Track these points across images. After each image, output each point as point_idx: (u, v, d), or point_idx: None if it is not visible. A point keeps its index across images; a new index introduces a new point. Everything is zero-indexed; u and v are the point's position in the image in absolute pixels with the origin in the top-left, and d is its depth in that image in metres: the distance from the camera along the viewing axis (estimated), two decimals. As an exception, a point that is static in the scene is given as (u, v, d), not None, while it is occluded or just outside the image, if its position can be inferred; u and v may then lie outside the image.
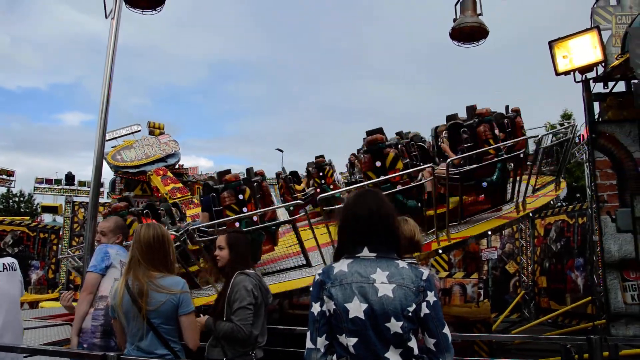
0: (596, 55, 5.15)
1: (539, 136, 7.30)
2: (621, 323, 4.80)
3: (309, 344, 1.90)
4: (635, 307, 4.79)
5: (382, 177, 5.78)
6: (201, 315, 3.12)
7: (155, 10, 6.46)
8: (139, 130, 19.29)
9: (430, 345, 1.86)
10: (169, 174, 16.72)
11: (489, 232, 6.42)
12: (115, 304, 2.73)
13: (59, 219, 22.50)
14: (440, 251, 5.90)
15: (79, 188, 28.16)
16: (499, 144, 6.31)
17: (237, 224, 6.04)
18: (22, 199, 40.06)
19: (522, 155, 6.69)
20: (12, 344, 3.22)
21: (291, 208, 8.10)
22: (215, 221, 6.07)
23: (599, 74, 5.42)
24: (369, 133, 6.30)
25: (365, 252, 1.92)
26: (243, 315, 2.91)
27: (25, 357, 3.59)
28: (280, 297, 5.61)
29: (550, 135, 8.66)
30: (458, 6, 6.80)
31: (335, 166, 11.44)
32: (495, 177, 6.25)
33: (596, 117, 5.50)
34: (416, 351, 1.83)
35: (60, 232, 16.79)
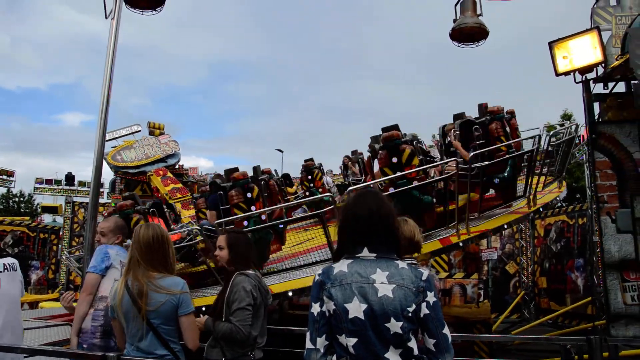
0: (596, 55, 5.15)
1: (545, 134, 7.31)
2: (621, 324, 4.79)
3: (308, 344, 1.90)
4: (635, 307, 4.79)
5: (398, 173, 5.89)
6: (201, 315, 3.12)
7: (155, 11, 6.45)
8: (139, 131, 19.29)
9: (430, 346, 1.87)
10: (169, 174, 16.71)
11: (505, 226, 6.59)
12: (115, 304, 2.73)
13: (59, 219, 22.51)
14: (460, 244, 6.04)
15: (79, 188, 28.21)
16: (510, 141, 6.46)
17: (245, 223, 5.96)
18: (22, 199, 40.09)
19: (535, 153, 6.78)
20: (12, 344, 3.22)
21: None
22: (223, 219, 5.96)
23: (599, 74, 5.42)
24: (384, 130, 6.33)
25: (365, 252, 1.93)
26: (242, 316, 2.90)
27: (25, 357, 3.59)
28: (297, 293, 5.63)
29: (550, 136, 8.65)
30: (458, 7, 6.80)
31: (332, 168, 11.43)
32: (506, 173, 6.38)
33: (596, 117, 5.50)
34: (416, 351, 1.83)
35: (60, 233, 16.78)
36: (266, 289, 3.19)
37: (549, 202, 7.21)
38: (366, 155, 8.80)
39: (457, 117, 7.41)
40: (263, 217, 6.17)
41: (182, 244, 6.52)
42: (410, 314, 1.82)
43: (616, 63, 5.16)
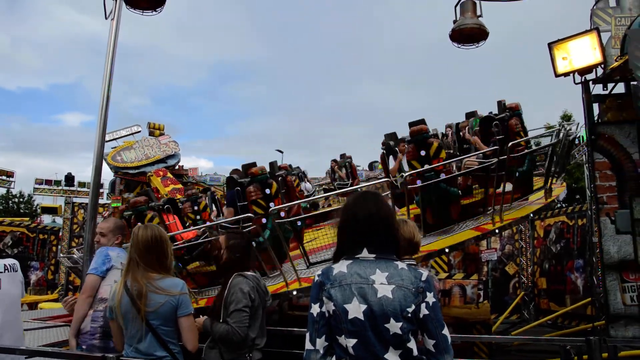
0: (595, 56, 5.15)
1: (563, 129, 7.45)
2: (620, 324, 4.79)
3: (308, 345, 1.90)
4: (635, 308, 4.79)
5: (427, 166, 6.01)
6: (200, 316, 3.12)
7: (156, 11, 6.45)
8: (139, 131, 19.31)
9: (429, 347, 1.86)
10: (169, 174, 16.75)
11: (531, 215, 6.81)
12: (114, 305, 2.73)
13: (59, 220, 22.53)
14: (497, 231, 6.23)
15: (78, 189, 28.21)
16: (529, 137, 6.79)
17: (264, 220, 5.83)
18: (21, 199, 40.08)
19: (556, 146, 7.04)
20: (12, 345, 3.22)
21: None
22: (241, 216, 5.85)
23: (598, 75, 5.42)
24: (412, 124, 6.47)
25: (365, 253, 1.93)
26: (238, 318, 2.90)
27: (25, 358, 3.58)
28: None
29: (550, 136, 8.69)
30: (458, 8, 6.80)
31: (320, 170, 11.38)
32: (525, 167, 6.56)
33: (595, 118, 5.50)
34: (415, 352, 1.83)
35: (60, 233, 16.79)
36: (264, 290, 3.19)
37: (558, 196, 7.42)
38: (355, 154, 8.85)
39: (469, 115, 7.80)
40: (282, 213, 5.99)
41: (197, 242, 6.42)
42: (409, 315, 1.82)
43: (615, 64, 5.16)
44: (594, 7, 5.63)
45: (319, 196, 5.80)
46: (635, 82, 4.81)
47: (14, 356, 3.29)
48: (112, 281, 3.26)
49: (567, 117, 24.64)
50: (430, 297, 1.87)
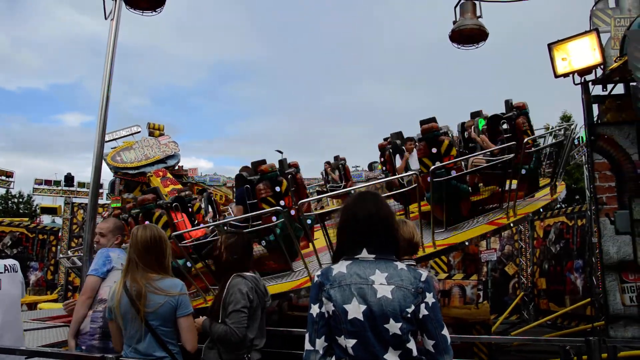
0: (595, 57, 5.16)
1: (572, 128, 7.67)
2: (620, 325, 4.79)
3: (307, 346, 1.90)
4: (634, 308, 4.79)
5: (438, 164, 6.09)
6: (200, 316, 3.12)
7: (155, 11, 6.44)
8: (139, 132, 19.30)
9: (429, 347, 1.87)
10: (169, 175, 16.75)
11: (541, 209, 7.03)
12: (113, 305, 2.73)
13: (58, 220, 22.52)
14: (512, 225, 6.37)
15: (78, 189, 28.17)
16: (535, 136, 6.93)
17: (274, 218, 5.76)
18: (21, 200, 40.07)
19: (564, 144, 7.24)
20: (11, 346, 3.22)
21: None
22: (250, 214, 5.78)
23: (597, 76, 5.43)
24: (422, 122, 6.56)
25: (364, 253, 1.93)
26: (237, 319, 2.90)
27: (25, 358, 3.58)
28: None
29: (550, 137, 8.71)
30: (457, 8, 6.80)
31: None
32: (532, 164, 6.66)
33: (595, 119, 5.51)
34: (415, 352, 1.84)
35: (60, 234, 16.79)
36: (263, 291, 3.18)
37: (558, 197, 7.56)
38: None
39: (474, 114, 7.99)
40: (292, 212, 5.94)
41: (206, 240, 6.30)
42: (409, 315, 1.82)
43: (615, 65, 5.16)
44: (594, 8, 5.63)
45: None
46: (634, 83, 4.81)
47: (14, 357, 3.29)
48: (112, 282, 3.26)
49: (566, 118, 24.70)
50: (429, 298, 1.87)
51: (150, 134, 19.46)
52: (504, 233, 13.03)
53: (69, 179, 28.29)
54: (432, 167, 5.94)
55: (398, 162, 8.20)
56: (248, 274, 3.13)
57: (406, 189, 6.60)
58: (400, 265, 1.93)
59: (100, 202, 15.37)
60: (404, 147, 8.28)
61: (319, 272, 1.98)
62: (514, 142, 6.27)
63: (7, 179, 28.89)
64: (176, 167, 18.81)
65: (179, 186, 15.51)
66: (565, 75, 5.37)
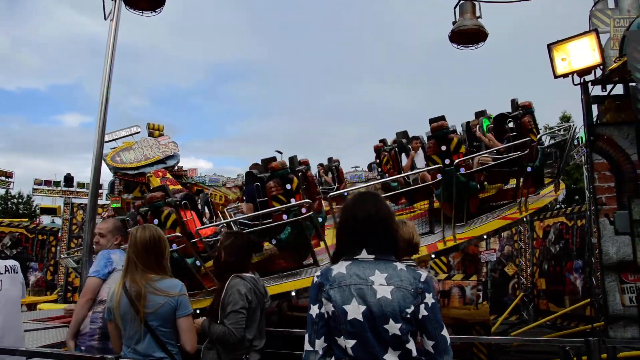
0: (594, 58, 5.17)
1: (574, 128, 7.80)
2: (619, 325, 4.80)
3: (307, 346, 1.90)
4: (633, 309, 4.80)
5: (448, 160, 6.27)
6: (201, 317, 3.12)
7: (155, 12, 6.43)
8: (139, 132, 19.24)
9: (428, 348, 1.87)
10: (169, 175, 16.72)
11: (549, 205, 7.20)
12: (112, 306, 2.73)
13: (58, 221, 22.49)
14: (525, 219, 6.67)
15: (77, 190, 28.13)
16: (544, 133, 7.26)
17: (284, 217, 5.69)
18: (20, 200, 40.02)
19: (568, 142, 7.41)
20: (11, 346, 3.22)
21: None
22: (260, 212, 5.67)
23: (597, 76, 5.44)
24: (432, 120, 6.71)
25: (364, 254, 1.93)
26: (235, 319, 2.90)
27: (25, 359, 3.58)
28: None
29: (549, 137, 8.73)
30: (457, 9, 6.81)
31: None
32: (537, 162, 6.77)
33: (594, 119, 5.52)
34: (415, 353, 1.84)
35: (59, 234, 16.78)
36: (262, 292, 3.18)
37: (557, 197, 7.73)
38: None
39: (479, 113, 8.12)
40: (303, 209, 5.80)
41: (216, 238, 6.16)
42: (408, 316, 1.82)
43: (614, 65, 5.17)
44: (593, 9, 5.64)
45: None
46: (634, 84, 4.81)
47: (14, 357, 3.29)
48: (113, 284, 3.26)
49: (566, 118, 24.70)
50: (429, 298, 1.87)
51: (150, 135, 19.43)
52: (503, 234, 13.03)
53: (68, 180, 28.26)
54: (441, 166, 6.08)
55: (404, 160, 8.32)
56: (247, 274, 3.13)
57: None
58: (400, 265, 1.93)
59: (99, 202, 15.36)
60: (409, 146, 8.40)
61: (318, 273, 1.98)
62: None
63: (7, 179, 28.84)
64: (176, 168, 18.79)
65: (179, 187, 15.48)
66: (565, 75, 5.38)
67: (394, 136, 9.03)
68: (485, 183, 7.33)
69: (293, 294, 5.44)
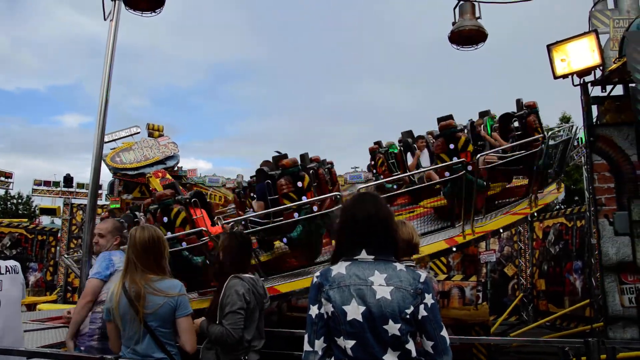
0: (594, 58, 5.17)
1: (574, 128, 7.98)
2: (619, 326, 4.80)
3: (306, 347, 1.90)
4: (633, 310, 4.80)
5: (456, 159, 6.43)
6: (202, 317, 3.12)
7: (155, 12, 6.43)
8: (138, 132, 19.24)
9: (428, 348, 1.87)
10: (168, 176, 16.72)
11: (555, 201, 7.50)
12: (112, 306, 2.72)
13: (57, 221, 22.48)
14: (535, 214, 6.77)
15: (77, 190, 28.09)
16: (544, 134, 7.14)
17: (295, 215, 5.62)
18: (20, 200, 39.97)
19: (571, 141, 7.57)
20: (10, 346, 3.21)
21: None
22: (271, 209, 5.61)
23: (597, 77, 5.44)
24: (440, 120, 6.91)
25: (364, 254, 1.93)
26: (233, 320, 2.90)
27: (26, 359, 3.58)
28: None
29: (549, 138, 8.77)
30: (457, 10, 6.81)
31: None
32: (542, 161, 6.85)
33: (594, 120, 5.52)
34: (414, 354, 1.84)
35: (59, 234, 16.77)
36: (261, 293, 3.18)
37: (557, 198, 7.89)
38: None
39: (483, 113, 8.31)
40: (315, 208, 5.71)
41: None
42: (408, 316, 1.82)
43: (614, 66, 5.17)
44: (593, 9, 5.64)
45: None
46: (633, 84, 4.81)
47: (14, 358, 3.28)
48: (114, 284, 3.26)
49: (566, 119, 24.71)
50: (428, 299, 1.87)
51: (150, 135, 19.43)
52: (503, 234, 13.04)
53: (68, 180, 28.21)
54: (448, 163, 6.28)
55: (409, 160, 8.50)
56: (245, 275, 3.13)
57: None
58: (400, 266, 1.93)
59: (99, 202, 15.35)
60: (415, 145, 8.56)
61: (317, 273, 1.98)
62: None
63: (6, 179, 28.81)
64: (175, 168, 18.79)
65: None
66: (565, 76, 5.39)
67: (394, 136, 9.20)
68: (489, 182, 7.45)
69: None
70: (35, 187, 29.48)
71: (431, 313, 1.86)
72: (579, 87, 5.41)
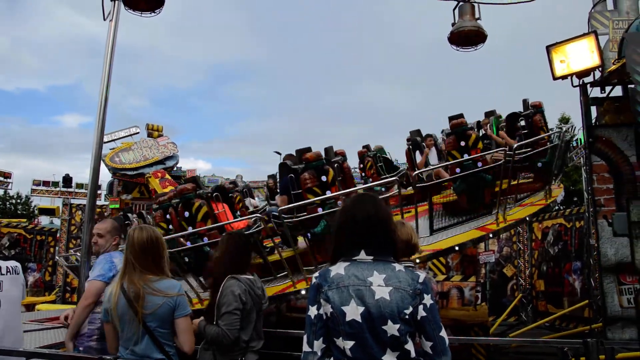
0: (593, 60, 5.18)
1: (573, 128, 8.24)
2: (617, 326, 4.80)
3: (306, 347, 1.90)
4: (632, 310, 4.80)
5: (468, 157, 6.77)
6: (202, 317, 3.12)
7: (154, 12, 6.43)
8: (138, 133, 19.25)
9: (427, 349, 1.87)
10: (167, 176, 16.76)
11: (557, 200, 7.75)
12: (110, 307, 2.71)
13: (56, 221, 22.48)
14: (550, 205, 7.08)
15: (76, 190, 28.08)
16: (550, 132, 7.44)
17: (319, 209, 5.48)
18: (19, 201, 39.91)
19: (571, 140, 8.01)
20: (11, 347, 3.21)
21: (382, 189, 7.86)
22: (294, 204, 5.45)
23: (596, 78, 5.45)
24: (451, 118, 7.18)
25: (362, 255, 1.93)
26: (228, 320, 2.90)
27: None
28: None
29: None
30: (456, 11, 6.81)
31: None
32: (547, 158, 7.13)
33: (593, 121, 5.52)
34: (413, 354, 1.84)
35: (58, 235, 16.76)
36: (258, 294, 3.17)
37: (556, 199, 8.04)
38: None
39: (488, 113, 8.68)
40: (339, 202, 5.52)
41: (249, 232, 5.89)
42: (407, 317, 1.82)
43: (613, 67, 5.18)
44: (592, 10, 5.65)
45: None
46: (632, 86, 4.82)
47: (14, 358, 3.28)
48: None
49: (565, 120, 24.73)
50: (427, 299, 1.87)
51: (149, 135, 19.44)
52: (502, 235, 13.05)
53: (67, 180, 28.20)
54: (460, 160, 6.64)
55: (418, 158, 8.77)
56: (243, 276, 3.12)
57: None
58: (398, 266, 1.93)
59: (98, 203, 15.33)
60: (423, 144, 8.79)
61: (316, 274, 1.98)
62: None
63: (5, 179, 28.78)
64: (175, 168, 18.80)
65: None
66: (564, 77, 5.39)
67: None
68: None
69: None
70: (34, 187, 29.46)
71: (430, 313, 1.86)
72: (578, 88, 5.41)
